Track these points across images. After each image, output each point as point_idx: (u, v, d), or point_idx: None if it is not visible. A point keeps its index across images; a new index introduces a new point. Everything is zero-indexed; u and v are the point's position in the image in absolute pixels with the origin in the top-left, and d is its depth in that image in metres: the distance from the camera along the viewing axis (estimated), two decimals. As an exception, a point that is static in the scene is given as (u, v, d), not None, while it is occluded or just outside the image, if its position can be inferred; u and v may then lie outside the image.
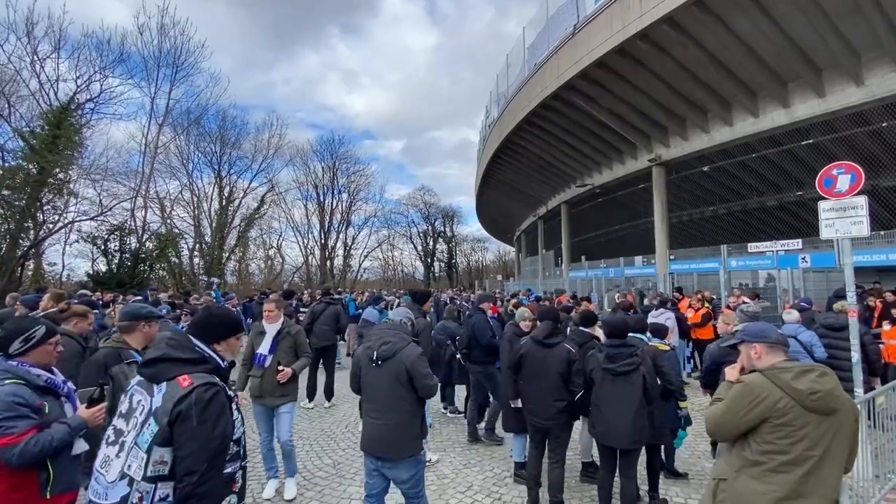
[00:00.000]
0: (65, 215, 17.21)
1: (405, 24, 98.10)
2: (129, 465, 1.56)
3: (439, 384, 4.62)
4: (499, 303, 8.65)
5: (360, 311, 10.96)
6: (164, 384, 1.63)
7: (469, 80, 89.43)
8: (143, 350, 2.83)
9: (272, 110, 61.80)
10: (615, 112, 14.40)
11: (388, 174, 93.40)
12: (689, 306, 8.80)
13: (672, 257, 14.28)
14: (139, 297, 8.22)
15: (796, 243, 10.21)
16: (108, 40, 18.69)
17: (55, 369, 2.28)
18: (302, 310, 9.75)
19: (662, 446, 4.03)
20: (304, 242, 41.14)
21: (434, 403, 6.06)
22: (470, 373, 5.38)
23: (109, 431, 1.68)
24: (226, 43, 64.79)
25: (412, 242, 50.69)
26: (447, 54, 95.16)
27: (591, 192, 20.24)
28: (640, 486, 3.72)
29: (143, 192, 21.17)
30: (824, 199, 4.39)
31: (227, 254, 27.69)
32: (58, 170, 15.62)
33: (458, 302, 12.31)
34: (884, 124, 11.17)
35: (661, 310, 7.67)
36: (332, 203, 41.68)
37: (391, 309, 7.45)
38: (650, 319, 7.14)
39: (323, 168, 41.06)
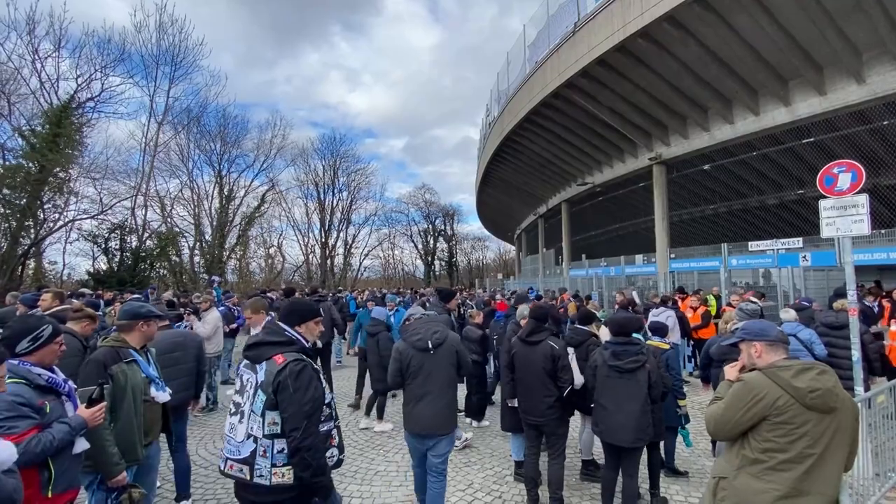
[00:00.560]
0: (65, 214, 17.27)
1: (407, 21, 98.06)
2: (251, 427, 2.03)
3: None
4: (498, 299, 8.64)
5: (360, 309, 10.99)
6: (263, 363, 2.07)
7: (471, 78, 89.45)
8: (141, 349, 2.83)
9: (275, 110, 62.09)
10: (616, 110, 14.37)
11: (389, 173, 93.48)
12: (689, 307, 8.79)
13: (673, 256, 14.26)
14: (137, 296, 8.23)
15: (797, 242, 10.20)
16: (108, 39, 18.71)
17: (56, 368, 2.28)
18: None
19: (662, 444, 4.04)
20: (304, 241, 41.18)
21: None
22: None
23: (231, 405, 2.13)
24: (228, 41, 64.87)
25: (413, 241, 50.74)
26: (449, 52, 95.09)
27: (591, 190, 20.23)
28: (640, 484, 3.73)
29: (144, 191, 21.19)
30: (825, 197, 4.38)
31: (228, 252, 27.69)
32: (58, 168, 15.63)
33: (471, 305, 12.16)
34: (885, 122, 11.15)
35: (662, 308, 7.67)
36: (332, 201, 41.69)
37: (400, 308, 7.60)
38: (651, 318, 7.16)
39: (324, 166, 41.05)
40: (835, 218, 4.31)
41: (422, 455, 3.37)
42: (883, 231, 9.47)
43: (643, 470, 3.77)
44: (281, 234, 39.80)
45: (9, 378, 2.02)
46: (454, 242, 52.96)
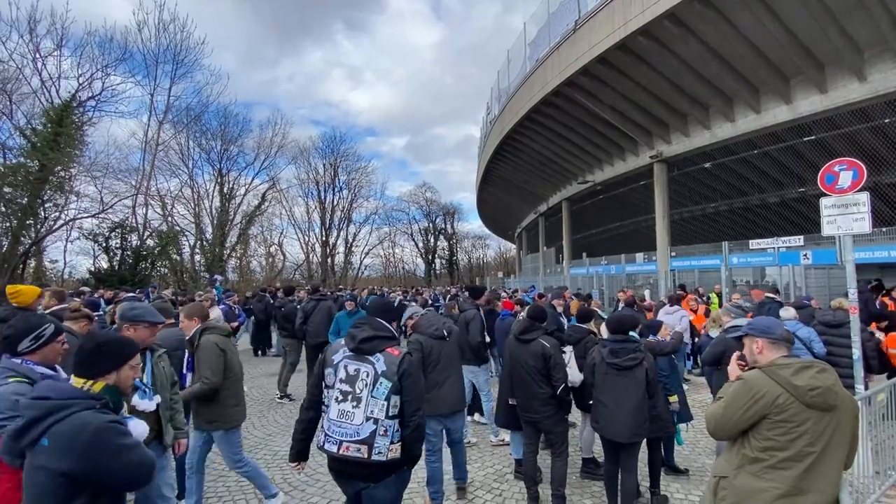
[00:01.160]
0: (66, 213, 17.30)
1: (410, 19, 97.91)
2: (371, 411, 2.19)
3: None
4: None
5: (340, 312, 10.95)
6: (379, 354, 2.29)
7: (474, 76, 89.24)
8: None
9: (276, 108, 61.95)
10: (616, 108, 14.36)
11: (390, 171, 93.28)
12: (690, 309, 8.76)
13: (673, 254, 14.27)
14: (131, 295, 8.24)
15: (798, 240, 10.21)
16: (110, 38, 18.71)
17: (58, 367, 2.28)
18: (300, 306, 9.78)
19: (662, 442, 4.04)
20: (305, 239, 41.21)
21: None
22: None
23: (336, 393, 2.27)
24: (231, 41, 64.88)
25: (413, 239, 50.76)
26: (452, 50, 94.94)
27: (592, 188, 20.21)
28: (640, 482, 3.74)
29: (144, 190, 21.21)
30: (826, 195, 4.37)
31: (229, 251, 27.72)
32: (59, 167, 15.64)
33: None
34: (886, 120, 11.13)
35: (676, 307, 7.63)
36: (333, 200, 41.70)
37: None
38: (661, 316, 7.17)
39: (324, 165, 41.05)
40: (836, 216, 4.30)
41: (440, 439, 3.71)
42: (884, 229, 9.48)
43: (643, 468, 3.78)
44: (282, 233, 39.90)
45: (11, 377, 2.02)
46: (455, 241, 53.02)
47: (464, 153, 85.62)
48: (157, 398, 2.67)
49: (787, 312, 5.02)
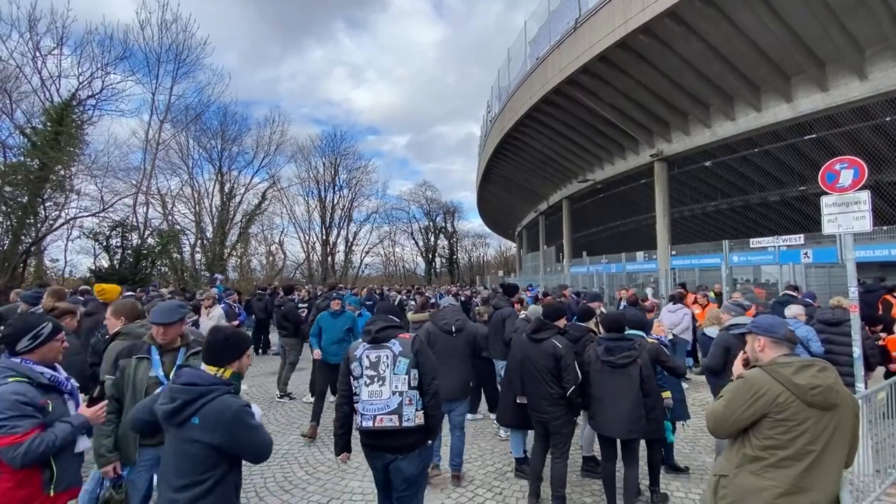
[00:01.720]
0: (66, 212, 17.22)
1: (412, 18, 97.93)
2: (395, 386, 2.60)
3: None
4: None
5: (321, 313, 10.92)
6: (393, 340, 2.69)
7: (476, 75, 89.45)
8: (171, 349, 2.75)
9: (275, 106, 61.88)
10: (617, 107, 14.34)
11: (391, 170, 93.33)
12: (696, 302, 8.76)
13: (674, 253, 14.26)
14: (130, 294, 8.24)
15: (798, 238, 10.19)
16: (111, 36, 18.67)
17: (58, 366, 2.28)
18: (300, 305, 9.78)
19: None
20: (305, 238, 41.20)
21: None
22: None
23: (364, 380, 2.62)
24: (234, 40, 64.93)
25: (413, 238, 50.71)
26: (454, 49, 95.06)
27: (592, 187, 20.20)
28: (640, 480, 3.74)
29: (145, 189, 21.19)
30: (827, 194, 4.37)
31: (229, 250, 27.71)
32: (59, 166, 15.62)
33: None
34: (887, 119, 11.12)
35: (679, 305, 7.62)
36: (333, 199, 41.66)
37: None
38: (663, 314, 7.16)
39: (324, 164, 41.00)
40: (836, 214, 4.30)
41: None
42: (885, 228, 9.46)
43: (643, 466, 3.78)
44: (282, 232, 39.84)
45: (11, 377, 2.02)
46: (455, 239, 52.95)
47: (465, 152, 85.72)
48: None
49: (790, 311, 5.02)
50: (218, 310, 6.95)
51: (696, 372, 7.78)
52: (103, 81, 17.98)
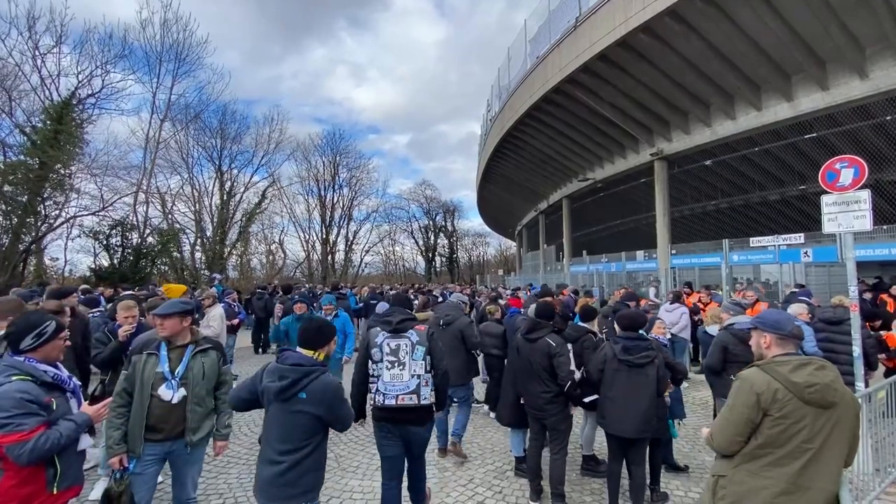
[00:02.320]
0: (66, 210, 17.21)
1: (414, 16, 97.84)
2: (414, 370, 3.04)
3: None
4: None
5: (361, 305, 11.03)
6: (411, 331, 3.12)
7: (477, 74, 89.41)
8: (179, 345, 2.81)
9: (276, 105, 61.85)
10: (617, 106, 14.33)
11: (392, 169, 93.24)
12: (700, 300, 8.77)
13: (674, 252, 14.25)
14: (130, 291, 8.25)
15: (798, 238, 10.17)
16: (110, 35, 18.64)
17: (60, 364, 2.28)
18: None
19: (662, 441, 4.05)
20: (305, 237, 41.18)
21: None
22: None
23: (386, 364, 3.03)
24: (236, 39, 64.94)
25: (413, 237, 50.70)
26: (456, 47, 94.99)
27: (592, 186, 20.19)
28: (640, 479, 3.75)
29: (145, 188, 21.17)
30: (827, 193, 4.37)
31: (229, 249, 27.70)
32: (59, 165, 15.60)
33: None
34: (888, 118, 11.12)
35: (677, 304, 7.63)
36: (333, 198, 41.64)
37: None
38: (661, 313, 7.16)
39: (324, 163, 40.96)
40: (836, 213, 4.29)
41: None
42: (885, 227, 9.46)
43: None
44: (282, 231, 39.83)
45: (15, 375, 2.02)
46: (455, 238, 52.92)
47: (466, 150, 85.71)
48: (182, 392, 2.71)
49: (792, 309, 5.01)
50: (218, 309, 6.94)
51: (696, 371, 7.79)
52: (103, 80, 17.97)
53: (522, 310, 6.37)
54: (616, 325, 3.77)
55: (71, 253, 20.54)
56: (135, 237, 19.00)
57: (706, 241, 14.59)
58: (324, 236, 40.89)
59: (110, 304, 7.60)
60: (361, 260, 46.00)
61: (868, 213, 4.11)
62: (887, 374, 5.22)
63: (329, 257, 40.86)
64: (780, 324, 2.05)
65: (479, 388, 6.71)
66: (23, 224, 15.27)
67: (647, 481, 3.83)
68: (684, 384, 7.02)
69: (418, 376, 3.04)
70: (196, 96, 24.18)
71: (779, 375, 1.88)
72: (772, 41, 10.29)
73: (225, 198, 28.12)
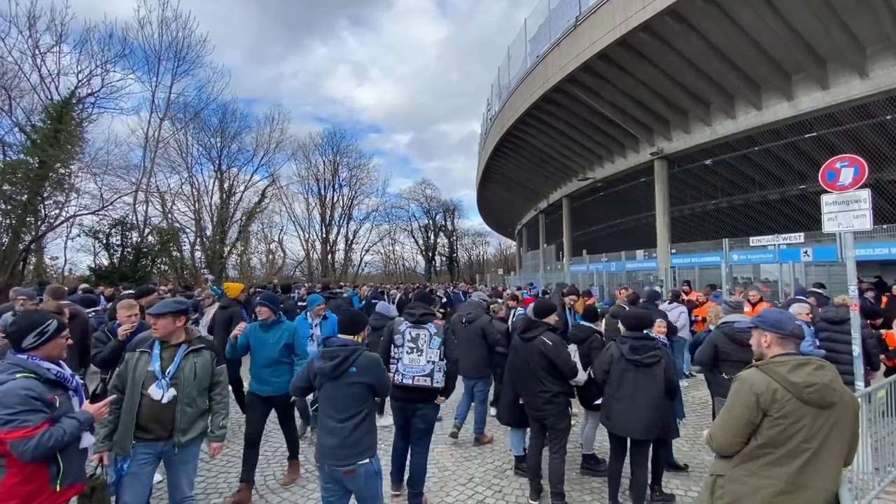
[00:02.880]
0: (66, 209, 17.22)
1: (415, 16, 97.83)
2: (430, 357, 3.58)
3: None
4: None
5: (363, 303, 11.05)
6: (429, 323, 3.67)
7: (479, 73, 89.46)
8: (172, 344, 2.79)
9: (276, 104, 61.94)
10: (617, 105, 14.32)
11: (393, 168, 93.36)
12: (696, 299, 8.78)
13: (673, 251, 14.25)
14: (130, 291, 8.26)
15: (798, 237, 10.16)
16: (110, 34, 18.64)
17: (63, 363, 2.29)
18: (301, 303, 9.78)
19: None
20: (305, 236, 41.19)
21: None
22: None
23: (406, 349, 3.61)
24: (237, 38, 65.07)
25: (413, 237, 50.72)
26: (457, 47, 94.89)
27: (592, 185, 20.18)
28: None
29: (145, 187, 21.17)
30: (827, 192, 4.37)
31: (229, 248, 27.70)
32: (59, 164, 15.60)
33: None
34: (888, 117, 11.11)
35: (675, 304, 7.64)
36: (333, 197, 41.66)
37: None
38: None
39: (324, 162, 40.98)
40: (836, 213, 4.30)
41: (468, 392, 5.22)
42: (884, 226, 9.45)
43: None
44: (282, 230, 39.89)
45: (19, 372, 2.03)
46: (455, 238, 53.00)
47: (467, 150, 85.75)
48: (172, 392, 2.67)
49: (793, 309, 5.00)
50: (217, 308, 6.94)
51: (697, 370, 7.79)
52: (103, 79, 17.99)
53: (521, 310, 6.38)
54: (622, 325, 3.75)
55: (71, 252, 20.60)
56: (134, 236, 19.03)
57: (706, 240, 14.58)
58: (324, 235, 40.95)
59: (111, 304, 7.61)
60: (361, 259, 46.08)
61: (868, 213, 4.11)
62: (887, 374, 5.23)
63: (329, 256, 40.88)
64: (781, 323, 2.04)
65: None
66: (23, 223, 15.27)
67: (650, 481, 3.85)
68: (684, 383, 7.03)
69: (433, 362, 3.55)
70: (195, 95, 24.19)
71: (777, 376, 1.88)
72: (772, 40, 10.28)
73: (225, 197, 28.14)
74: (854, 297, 4.30)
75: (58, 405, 2.10)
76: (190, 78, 22.90)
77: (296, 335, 4.10)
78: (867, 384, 4.28)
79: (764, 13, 9.50)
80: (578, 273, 18.94)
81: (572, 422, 3.92)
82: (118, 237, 18.25)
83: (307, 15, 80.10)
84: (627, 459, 3.59)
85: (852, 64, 10.08)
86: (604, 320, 5.89)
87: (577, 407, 4.31)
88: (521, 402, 3.96)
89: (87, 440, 2.20)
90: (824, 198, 4.40)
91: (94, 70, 17.68)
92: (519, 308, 6.53)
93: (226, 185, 28.57)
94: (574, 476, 4.20)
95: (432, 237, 51.28)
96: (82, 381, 2.40)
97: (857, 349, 4.21)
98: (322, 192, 40.91)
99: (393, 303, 10.12)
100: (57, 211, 16.79)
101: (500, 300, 7.41)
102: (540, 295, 9.66)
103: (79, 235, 18.55)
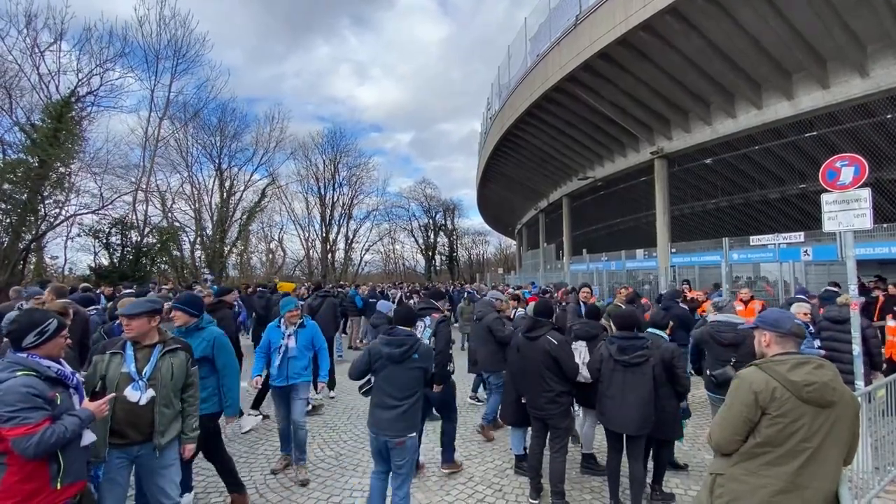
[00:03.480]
0: (66, 209, 17.21)
1: (417, 15, 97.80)
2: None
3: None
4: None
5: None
6: (428, 317, 4.13)
7: (480, 72, 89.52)
8: (147, 345, 2.72)
9: (277, 103, 61.68)
10: (617, 104, 14.31)
11: (394, 167, 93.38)
12: (695, 298, 8.78)
13: (674, 250, 14.25)
14: (130, 290, 8.25)
15: (798, 236, 10.16)
16: (109, 33, 18.62)
17: (63, 361, 2.29)
18: (300, 302, 9.79)
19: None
20: (305, 236, 41.18)
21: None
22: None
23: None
24: (239, 37, 65.00)
25: (413, 236, 50.69)
26: (459, 46, 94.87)
27: (592, 185, 20.17)
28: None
29: (144, 186, 21.16)
30: (827, 191, 4.37)
31: (229, 247, 27.70)
32: (59, 163, 15.60)
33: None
34: (888, 116, 11.10)
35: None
36: (333, 196, 41.63)
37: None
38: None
39: (324, 161, 40.93)
40: (837, 212, 4.29)
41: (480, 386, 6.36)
42: (885, 225, 9.44)
43: (649, 465, 3.79)
44: (282, 229, 39.87)
45: (19, 370, 2.04)
46: (455, 237, 52.93)
47: (467, 149, 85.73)
48: (150, 393, 2.60)
49: (794, 308, 5.00)
50: (218, 307, 6.95)
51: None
52: (102, 78, 17.96)
53: (521, 310, 6.38)
54: (612, 325, 3.80)
55: (71, 251, 20.57)
56: (134, 235, 19.03)
57: (706, 239, 14.59)
58: (324, 234, 40.92)
59: (110, 303, 7.61)
60: (361, 258, 46.05)
61: (868, 212, 4.11)
62: (887, 372, 5.22)
63: (329, 255, 40.88)
64: (780, 322, 2.05)
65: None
66: (23, 222, 15.27)
67: (648, 479, 3.85)
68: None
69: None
70: (195, 94, 24.17)
71: (777, 374, 1.88)
72: (772, 39, 10.26)
73: (225, 196, 28.12)
74: (854, 297, 4.30)
75: (59, 402, 2.10)
76: (189, 76, 22.90)
77: (217, 347, 3.38)
78: (869, 383, 4.28)
79: (764, 12, 9.49)
80: (578, 272, 18.94)
81: (573, 421, 3.93)
82: (118, 236, 18.25)
83: (309, 14, 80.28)
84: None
85: (853, 63, 10.06)
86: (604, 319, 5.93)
87: (575, 405, 4.31)
88: (523, 401, 3.96)
89: (88, 438, 2.19)
90: (824, 197, 4.40)
91: (94, 69, 17.67)
92: (520, 309, 6.53)
93: (226, 185, 28.57)
94: (574, 475, 4.20)
95: (432, 236, 51.27)
96: (82, 380, 2.39)
97: (857, 348, 4.21)
98: (322, 191, 40.88)
99: (393, 303, 10.14)
100: (57, 210, 16.80)
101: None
102: (540, 295, 9.63)
103: (79, 235, 18.56)
